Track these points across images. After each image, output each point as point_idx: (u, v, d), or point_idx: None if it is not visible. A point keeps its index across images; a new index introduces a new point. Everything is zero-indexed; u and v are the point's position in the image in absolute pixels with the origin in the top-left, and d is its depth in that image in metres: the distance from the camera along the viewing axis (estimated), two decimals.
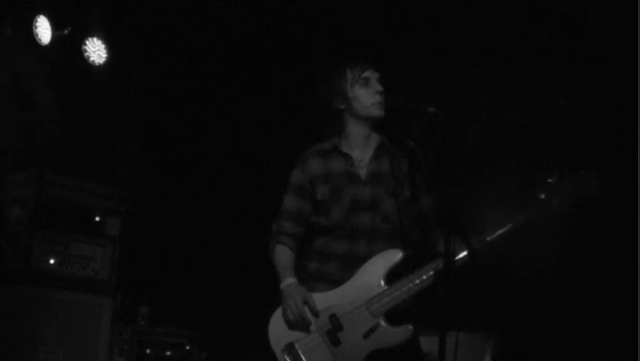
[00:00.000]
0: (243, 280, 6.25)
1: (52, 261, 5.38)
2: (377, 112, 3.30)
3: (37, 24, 5.89)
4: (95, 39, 6.17)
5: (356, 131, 3.35)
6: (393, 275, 3.20)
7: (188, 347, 5.90)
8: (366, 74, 3.32)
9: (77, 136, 6.12)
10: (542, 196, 3.23)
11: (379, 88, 3.31)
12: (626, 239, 4.75)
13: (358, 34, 5.76)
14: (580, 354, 4.82)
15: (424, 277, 3.17)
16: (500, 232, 3.20)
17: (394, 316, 3.18)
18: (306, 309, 3.19)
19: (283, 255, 3.33)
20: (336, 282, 3.25)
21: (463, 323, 4.78)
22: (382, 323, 3.15)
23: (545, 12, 5.11)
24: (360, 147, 3.36)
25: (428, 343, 4.96)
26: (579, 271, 4.97)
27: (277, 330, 3.22)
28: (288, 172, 3.45)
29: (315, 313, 3.18)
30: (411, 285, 3.17)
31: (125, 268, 5.73)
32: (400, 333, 3.15)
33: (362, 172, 3.33)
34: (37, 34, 5.88)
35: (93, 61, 6.18)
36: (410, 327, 3.16)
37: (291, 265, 3.31)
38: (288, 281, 3.24)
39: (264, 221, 3.80)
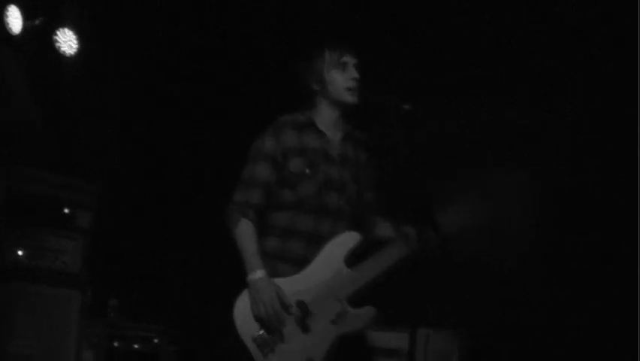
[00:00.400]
0: (214, 274, 6.24)
1: (21, 253, 5.32)
2: (350, 98, 3.30)
3: (8, 13, 5.81)
4: (66, 30, 6.09)
5: (327, 113, 3.35)
6: (353, 258, 3.22)
7: (156, 341, 5.89)
8: (345, 58, 3.32)
9: (49, 128, 6.07)
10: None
11: (356, 75, 3.31)
12: (615, 238, 4.78)
13: (343, 25, 5.77)
14: (554, 354, 4.87)
15: (384, 259, 3.21)
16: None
17: (356, 299, 3.18)
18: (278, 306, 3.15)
19: (249, 233, 3.19)
20: (299, 261, 3.21)
21: (432, 319, 4.86)
22: (347, 307, 3.15)
23: (544, 12, 5.15)
24: (331, 129, 3.36)
25: (397, 339, 5.03)
26: (557, 268, 5.03)
27: (245, 318, 3.15)
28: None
29: (287, 308, 3.14)
30: (372, 269, 3.19)
31: (96, 261, 5.68)
32: (365, 315, 3.16)
33: (334, 152, 3.34)
34: (7, 24, 5.81)
35: (64, 51, 6.11)
36: (371, 308, 3.16)
37: (257, 248, 3.17)
38: (258, 275, 3.13)
39: None
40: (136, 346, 5.83)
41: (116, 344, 5.74)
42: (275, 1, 6.16)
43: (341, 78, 3.30)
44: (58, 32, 6.09)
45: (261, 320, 3.13)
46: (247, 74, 6.41)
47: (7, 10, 5.81)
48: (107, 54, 6.32)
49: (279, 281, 3.17)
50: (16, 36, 5.85)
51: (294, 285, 3.16)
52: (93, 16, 6.17)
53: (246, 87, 6.44)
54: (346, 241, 3.23)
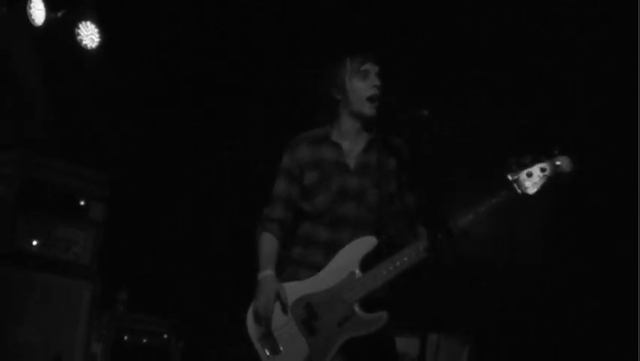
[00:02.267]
0: (224, 271, 6.26)
1: (35, 242, 5.36)
2: (369, 111, 3.30)
3: (32, 4, 5.86)
4: (88, 23, 6.14)
5: (349, 123, 3.36)
6: (368, 262, 3.21)
7: (165, 336, 5.88)
8: (366, 66, 3.33)
9: (66, 119, 6.09)
10: (511, 177, 3.20)
11: (377, 82, 3.31)
12: (615, 239, 4.77)
13: (359, 32, 5.78)
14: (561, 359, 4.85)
15: (398, 263, 3.17)
16: (471, 216, 3.16)
17: (369, 304, 3.17)
18: (277, 304, 3.21)
19: (268, 243, 3.33)
20: (318, 267, 3.26)
21: (442, 324, 4.85)
22: (357, 310, 3.16)
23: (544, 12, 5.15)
24: (352, 138, 3.37)
25: (405, 344, 5.02)
26: (565, 271, 5.00)
27: (252, 318, 3.23)
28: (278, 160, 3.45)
29: (285, 309, 3.19)
30: (385, 272, 3.17)
31: (107, 253, 5.71)
32: (375, 321, 3.15)
33: (351, 162, 3.35)
34: (30, 15, 5.85)
35: (86, 45, 6.15)
36: (385, 314, 3.15)
37: (273, 255, 3.31)
38: (265, 273, 3.25)
39: (248, 212, 3.83)
40: (145, 340, 5.83)
41: (125, 337, 5.73)
42: (275, 1, 6.18)
43: (363, 86, 3.31)
44: (80, 25, 6.13)
45: (257, 316, 3.20)
46: (273, 76, 6.42)
47: (31, 2, 5.85)
48: (128, 48, 6.34)
49: (292, 284, 3.25)
50: (39, 27, 5.88)
51: (305, 288, 3.23)
52: (116, 9, 6.18)
53: (269, 89, 6.45)
54: (361, 245, 3.24)
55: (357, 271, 3.20)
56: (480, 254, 4.85)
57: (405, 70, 5.58)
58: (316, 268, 3.26)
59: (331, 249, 3.27)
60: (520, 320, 5.06)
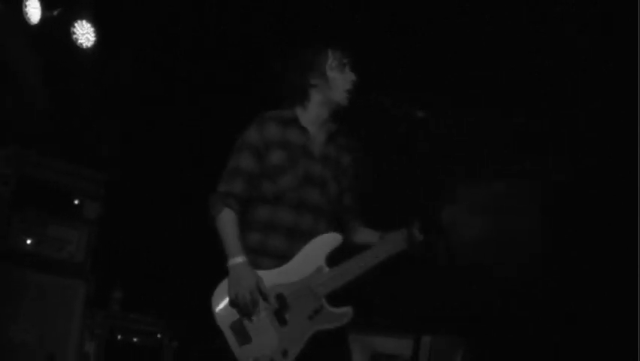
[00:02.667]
0: (220, 271, 6.24)
1: (29, 241, 5.36)
2: (345, 101, 3.34)
3: (27, 2, 5.85)
4: (84, 22, 6.14)
5: (316, 111, 3.37)
6: (334, 258, 3.27)
7: (159, 336, 5.88)
8: (345, 60, 3.37)
9: (61, 118, 6.08)
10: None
11: (354, 77, 3.36)
12: (614, 239, 4.77)
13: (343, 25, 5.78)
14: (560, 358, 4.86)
15: (364, 262, 3.26)
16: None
17: (335, 298, 3.23)
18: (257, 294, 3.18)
19: (231, 223, 3.23)
20: (280, 256, 3.24)
21: (436, 325, 4.84)
22: (325, 304, 3.20)
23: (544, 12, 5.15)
24: (317, 127, 3.39)
25: (398, 345, 5.02)
26: (563, 271, 5.01)
27: (224, 307, 3.19)
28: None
29: (265, 298, 3.16)
30: (351, 270, 3.24)
31: (101, 252, 5.71)
32: (342, 316, 3.22)
33: (316, 150, 3.37)
34: (26, 13, 5.84)
35: (81, 44, 6.14)
36: (350, 310, 3.22)
37: (239, 237, 3.22)
38: (238, 260, 3.17)
39: None
40: (138, 340, 5.82)
41: (119, 336, 5.72)
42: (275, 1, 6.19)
43: (342, 78, 3.35)
44: (76, 24, 6.13)
45: (237, 305, 3.15)
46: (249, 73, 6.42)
47: (27, 0, 5.84)
48: (124, 47, 6.34)
49: (260, 273, 3.21)
50: (35, 26, 5.88)
51: (275, 278, 3.20)
52: (112, 8, 6.18)
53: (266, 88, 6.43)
54: (328, 241, 3.28)
55: (325, 266, 3.24)
56: (473, 256, 4.84)
57: (401, 68, 5.61)
58: (278, 255, 3.24)
59: (293, 235, 3.25)
60: (514, 322, 5.05)
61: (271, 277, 3.19)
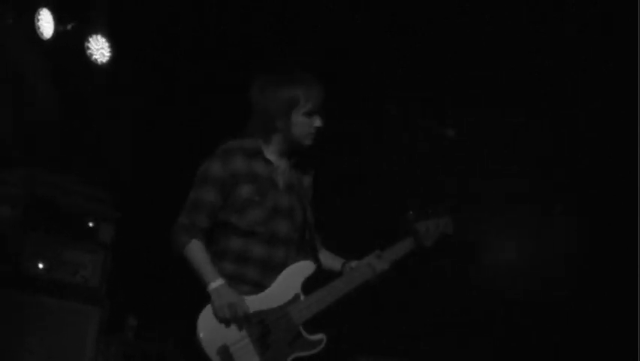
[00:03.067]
0: None
1: (41, 265, 5.23)
2: (308, 142, 3.35)
3: (40, 17, 5.73)
4: (99, 37, 5.99)
5: (279, 146, 3.37)
6: (308, 286, 3.33)
7: None
8: (315, 107, 3.33)
9: (75, 136, 5.96)
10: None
11: (320, 124, 3.34)
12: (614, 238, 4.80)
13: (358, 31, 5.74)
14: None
15: (339, 290, 3.34)
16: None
17: (311, 325, 3.29)
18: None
19: (202, 252, 3.22)
20: (256, 285, 3.27)
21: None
22: (302, 331, 3.27)
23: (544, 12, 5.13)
24: (280, 157, 3.39)
25: None
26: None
27: (210, 332, 3.16)
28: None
29: (248, 317, 3.18)
30: (325, 298, 3.31)
31: (115, 276, 5.56)
32: (317, 342, 3.29)
33: (280, 180, 3.37)
34: (39, 28, 5.72)
35: (96, 59, 6.00)
36: (324, 336, 3.30)
37: (212, 263, 3.21)
38: (219, 282, 3.16)
39: None
40: None
41: None
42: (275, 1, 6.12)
43: (306, 123, 3.33)
44: (90, 39, 5.98)
45: (225, 322, 3.15)
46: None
47: (39, 14, 5.71)
48: (139, 63, 6.19)
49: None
50: (47, 41, 5.74)
51: (257, 304, 3.23)
52: (125, 22, 6.03)
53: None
54: (302, 269, 3.34)
55: (301, 294, 3.30)
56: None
57: (401, 68, 5.60)
58: (254, 284, 3.26)
59: (267, 266, 3.28)
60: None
61: (252, 303, 3.21)
